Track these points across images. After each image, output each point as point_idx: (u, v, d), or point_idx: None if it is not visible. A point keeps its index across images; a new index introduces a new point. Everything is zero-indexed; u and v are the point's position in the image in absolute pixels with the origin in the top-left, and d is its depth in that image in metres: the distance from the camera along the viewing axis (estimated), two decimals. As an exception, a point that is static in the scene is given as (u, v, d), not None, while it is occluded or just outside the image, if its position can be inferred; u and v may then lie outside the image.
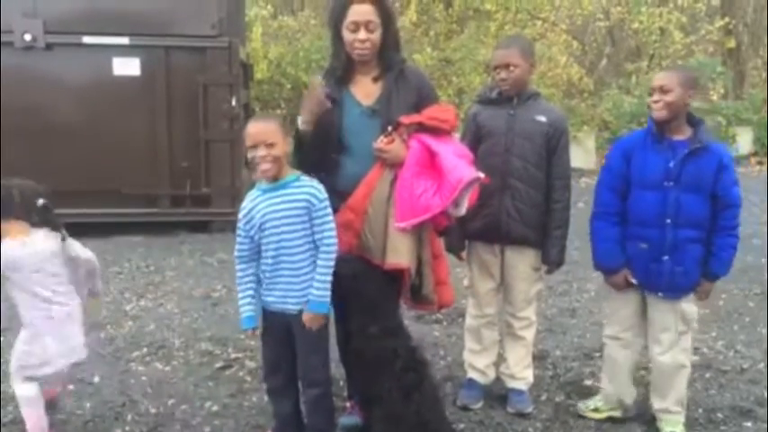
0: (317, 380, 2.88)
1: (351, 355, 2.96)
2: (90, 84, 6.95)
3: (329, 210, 2.76)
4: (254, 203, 2.79)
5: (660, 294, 3.07)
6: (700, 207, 2.96)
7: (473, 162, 2.98)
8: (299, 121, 2.92)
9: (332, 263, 2.76)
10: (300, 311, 2.77)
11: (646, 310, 3.15)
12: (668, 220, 2.98)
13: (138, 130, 7.01)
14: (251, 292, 2.84)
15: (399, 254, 2.83)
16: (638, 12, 12.47)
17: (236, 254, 2.84)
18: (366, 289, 2.85)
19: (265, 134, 2.70)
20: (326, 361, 2.90)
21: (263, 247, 2.79)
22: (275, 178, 2.75)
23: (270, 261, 2.77)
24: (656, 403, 3.18)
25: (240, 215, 2.82)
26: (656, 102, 2.96)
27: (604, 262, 3.15)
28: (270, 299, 2.82)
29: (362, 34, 2.85)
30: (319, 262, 2.75)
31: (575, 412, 3.35)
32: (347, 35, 2.88)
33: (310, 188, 2.75)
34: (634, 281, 3.10)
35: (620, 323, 3.21)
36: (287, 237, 2.73)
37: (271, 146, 2.70)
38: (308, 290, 2.75)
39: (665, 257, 3.00)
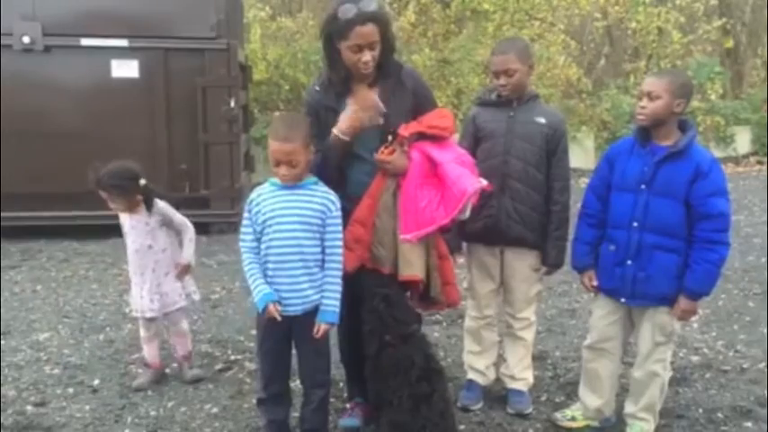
0: (323, 381, 2.90)
1: (367, 359, 2.92)
2: (89, 86, 6.95)
3: (341, 221, 2.77)
4: (264, 198, 2.75)
5: (623, 300, 3.04)
6: (670, 213, 2.88)
7: (475, 166, 2.99)
8: (337, 129, 2.82)
9: (341, 272, 2.76)
10: (303, 313, 2.76)
11: (629, 321, 3.12)
12: (635, 224, 2.93)
13: (137, 132, 6.99)
14: (262, 272, 2.74)
15: (413, 266, 2.85)
16: (635, 11, 12.45)
17: (240, 242, 2.80)
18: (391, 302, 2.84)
19: (288, 154, 2.66)
20: (330, 362, 2.91)
21: (265, 245, 2.73)
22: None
23: (273, 259, 2.72)
24: (627, 407, 3.15)
25: (247, 206, 2.80)
26: (641, 107, 2.90)
27: (573, 261, 3.19)
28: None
29: (367, 56, 2.80)
30: (330, 272, 2.75)
31: (575, 413, 3.35)
32: (349, 55, 2.81)
33: (328, 194, 2.76)
34: (594, 283, 3.10)
35: (600, 332, 3.16)
36: (301, 236, 2.70)
37: (293, 165, 2.67)
38: (310, 291, 2.74)
39: (629, 262, 2.96)
